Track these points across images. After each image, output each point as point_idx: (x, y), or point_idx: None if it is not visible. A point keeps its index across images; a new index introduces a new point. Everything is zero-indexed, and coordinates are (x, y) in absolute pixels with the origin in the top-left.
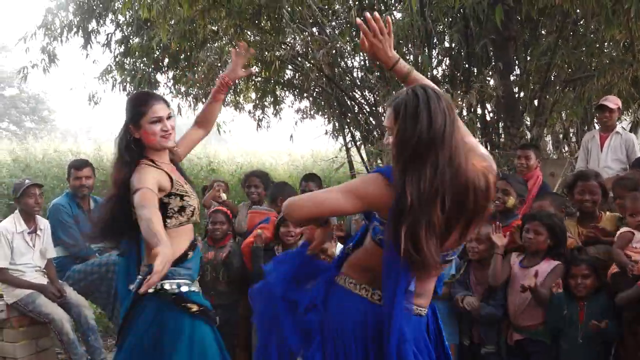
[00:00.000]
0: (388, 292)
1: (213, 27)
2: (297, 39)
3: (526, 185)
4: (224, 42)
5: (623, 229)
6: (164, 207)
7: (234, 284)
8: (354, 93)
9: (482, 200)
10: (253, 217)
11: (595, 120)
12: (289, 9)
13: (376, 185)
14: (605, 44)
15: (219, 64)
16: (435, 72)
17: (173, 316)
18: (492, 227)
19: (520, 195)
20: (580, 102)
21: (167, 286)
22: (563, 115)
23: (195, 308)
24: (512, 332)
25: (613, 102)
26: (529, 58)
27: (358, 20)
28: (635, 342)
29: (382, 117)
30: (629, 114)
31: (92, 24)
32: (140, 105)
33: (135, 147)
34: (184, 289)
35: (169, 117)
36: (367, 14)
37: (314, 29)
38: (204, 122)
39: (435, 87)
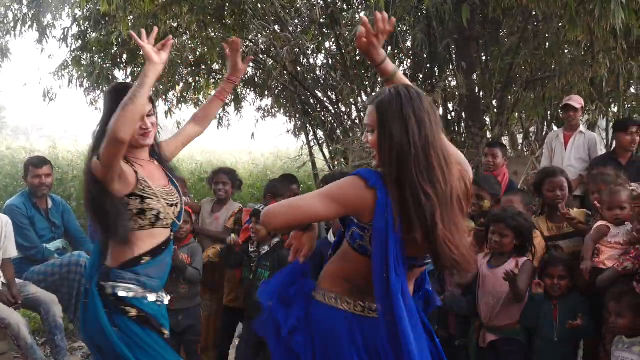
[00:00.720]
0: (385, 300)
1: (173, 23)
2: (260, 36)
3: (498, 182)
4: (184, 38)
5: (600, 222)
6: (123, 207)
7: (195, 285)
8: (316, 92)
9: (464, 203)
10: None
11: (554, 122)
12: (252, 5)
13: (355, 189)
14: (567, 45)
15: (180, 61)
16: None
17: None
18: None
19: (494, 195)
20: (541, 102)
21: (108, 289)
22: (524, 115)
23: (133, 312)
24: (485, 334)
25: (577, 101)
26: (489, 58)
27: (363, 17)
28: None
29: (345, 116)
30: (588, 113)
31: (48, 18)
32: (119, 98)
33: None
34: (122, 293)
35: (149, 114)
36: (378, 14)
37: (276, 27)
38: (202, 119)
39: (416, 87)
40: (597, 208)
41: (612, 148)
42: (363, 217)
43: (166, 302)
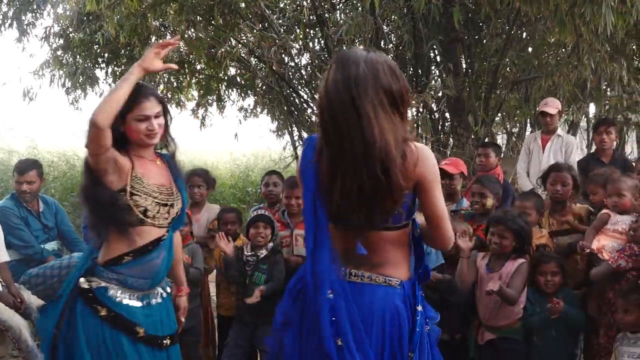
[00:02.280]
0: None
1: (155, 22)
2: (249, 35)
3: (500, 183)
4: (167, 37)
5: (603, 211)
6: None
7: (195, 286)
8: (300, 92)
9: None
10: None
11: (537, 124)
12: (239, 5)
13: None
14: (553, 47)
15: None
16: None
17: (82, 313)
18: (459, 232)
19: (497, 193)
20: (527, 103)
21: (81, 281)
22: (509, 115)
23: (104, 312)
24: (484, 332)
25: (553, 106)
26: (474, 59)
27: None
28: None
29: None
30: (570, 113)
31: (28, 17)
32: (129, 100)
33: (120, 140)
34: (95, 287)
35: (157, 116)
36: None
37: (260, 26)
38: None
39: None
40: (594, 207)
41: (596, 149)
42: None
43: (157, 301)
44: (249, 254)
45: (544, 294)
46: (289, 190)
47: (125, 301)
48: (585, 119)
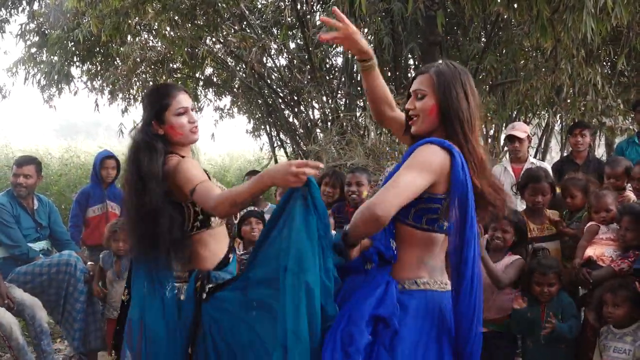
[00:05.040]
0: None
1: (130, 21)
2: (230, 35)
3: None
4: (144, 36)
5: (590, 223)
6: (184, 210)
7: None
8: (279, 92)
9: None
10: None
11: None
12: (223, 5)
13: (435, 153)
14: (531, 52)
15: (140, 59)
16: None
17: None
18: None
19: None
20: (504, 107)
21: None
22: (486, 118)
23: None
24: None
25: (521, 130)
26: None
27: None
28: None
29: (306, 118)
30: (543, 117)
31: (3, 13)
32: (162, 97)
33: (162, 145)
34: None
35: (194, 109)
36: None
37: (238, 26)
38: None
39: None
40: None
41: (571, 151)
42: (439, 185)
43: None
44: (242, 252)
45: (535, 299)
46: (352, 176)
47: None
48: (560, 123)
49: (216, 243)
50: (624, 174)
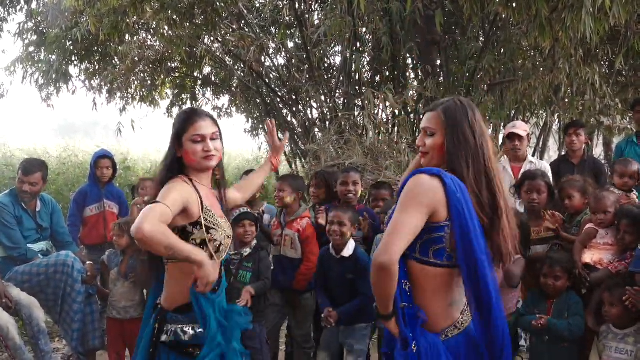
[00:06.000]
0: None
1: (128, 20)
2: (228, 34)
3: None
4: (142, 35)
5: (589, 226)
6: (185, 235)
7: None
8: (277, 91)
9: None
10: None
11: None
12: (222, 4)
13: (424, 185)
14: (530, 51)
15: (138, 59)
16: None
17: None
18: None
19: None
20: (502, 106)
21: (163, 338)
22: (485, 117)
23: (197, 352)
24: None
25: (522, 128)
26: (455, 61)
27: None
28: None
29: (305, 118)
30: (542, 117)
31: (1, 12)
32: (183, 122)
33: (177, 167)
34: (187, 337)
35: (213, 138)
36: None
37: (236, 25)
38: (243, 189)
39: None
40: (568, 212)
41: (567, 150)
42: (439, 213)
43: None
44: (232, 253)
45: (544, 296)
46: (277, 183)
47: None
48: (558, 122)
49: (187, 279)
50: (637, 174)
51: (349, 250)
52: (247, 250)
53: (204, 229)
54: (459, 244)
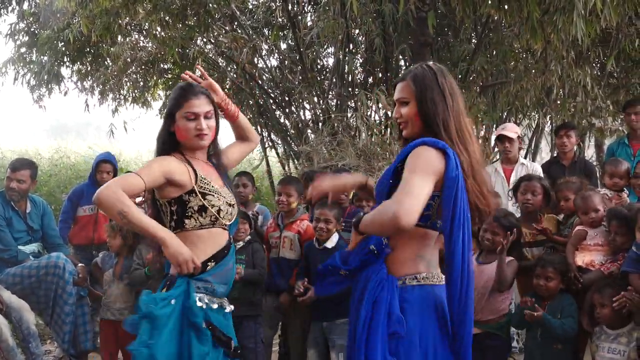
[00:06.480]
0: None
1: (120, 21)
2: (221, 35)
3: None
4: (135, 36)
5: (578, 227)
6: (182, 205)
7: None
8: (270, 92)
9: None
10: None
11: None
12: (214, 5)
13: (433, 156)
14: (521, 53)
15: (130, 60)
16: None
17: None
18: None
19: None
20: (495, 108)
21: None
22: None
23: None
24: None
25: (512, 130)
26: (448, 63)
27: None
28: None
29: (298, 119)
30: (534, 118)
31: None
32: (178, 97)
33: (170, 142)
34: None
35: (208, 117)
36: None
37: (229, 27)
38: (243, 139)
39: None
40: (564, 213)
41: (557, 152)
42: (436, 185)
43: (228, 310)
44: None
45: (538, 298)
46: (280, 187)
47: (213, 309)
48: (550, 124)
49: (193, 247)
50: (626, 174)
51: (332, 242)
52: (239, 244)
53: (200, 195)
54: (445, 217)
